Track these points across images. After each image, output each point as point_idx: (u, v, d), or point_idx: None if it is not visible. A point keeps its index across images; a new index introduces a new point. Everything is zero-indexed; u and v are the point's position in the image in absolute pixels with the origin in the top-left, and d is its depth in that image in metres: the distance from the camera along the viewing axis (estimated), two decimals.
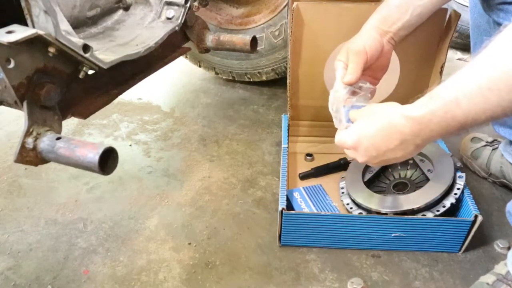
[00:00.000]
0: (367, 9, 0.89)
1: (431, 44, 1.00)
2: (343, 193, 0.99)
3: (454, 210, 0.88)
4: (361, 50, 0.78)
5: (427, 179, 0.91)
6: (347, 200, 0.96)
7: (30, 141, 0.60)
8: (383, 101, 0.89)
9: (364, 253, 0.88)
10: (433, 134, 0.59)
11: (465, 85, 0.53)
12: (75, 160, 0.58)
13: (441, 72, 0.98)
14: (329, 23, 0.97)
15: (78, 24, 0.84)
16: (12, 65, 0.57)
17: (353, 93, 0.78)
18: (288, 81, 1.07)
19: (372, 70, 0.83)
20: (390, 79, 1.06)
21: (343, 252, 0.88)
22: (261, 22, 1.37)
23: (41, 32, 0.57)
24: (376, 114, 0.66)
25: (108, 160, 0.58)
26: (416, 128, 0.59)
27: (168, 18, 0.93)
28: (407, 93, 1.06)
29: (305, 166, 1.09)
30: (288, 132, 1.10)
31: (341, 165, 1.08)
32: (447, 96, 0.55)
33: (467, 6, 1.10)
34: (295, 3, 0.96)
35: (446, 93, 0.55)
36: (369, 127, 0.66)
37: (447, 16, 0.95)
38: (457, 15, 0.92)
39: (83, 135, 1.28)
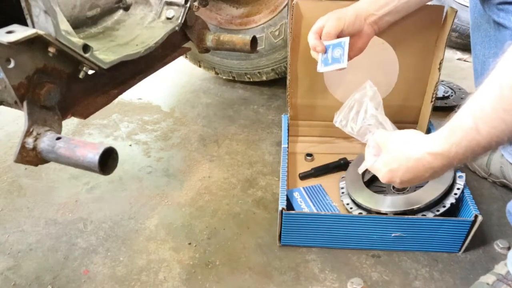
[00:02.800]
0: None
1: (429, 41, 1.00)
2: (343, 193, 0.99)
3: (454, 210, 0.88)
4: (340, 18, 0.83)
5: None
6: (347, 200, 0.96)
7: (30, 141, 0.60)
8: (383, 99, 0.87)
9: (364, 253, 0.88)
10: (461, 162, 0.60)
11: (480, 110, 0.53)
12: (75, 160, 0.58)
13: (439, 69, 0.99)
14: None
15: (78, 24, 0.84)
16: (12, 65, 0.58)
17: None
18: (287, 80, 1.07)
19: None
20: (390, 77, 1.06)
21: (343, 252, 0.88)
22: (261, 22, 1.37)
23: (41, 32, 0.58)
24: (398, 155, 0.65)
25: (108, 160, 0.58)
26: (445, 162, 0.60)
27: (168, 18, 0.93)
28: (406, 90, 1.07)
29: (305, 166, 1.09)
30: (288, 132, 1.10)
31: (341, 165, 1.08)
32: (466, 124, 0.55)
33: (467, 6, 1.10)
34: (295, 0, 0.96)
35: (465, 121, 0.55)
36: (396, 167, 0.65)
37: (444, 13, 0.96)
38: (454, 12, 0.93)
39: (83, 135, 1.28)
